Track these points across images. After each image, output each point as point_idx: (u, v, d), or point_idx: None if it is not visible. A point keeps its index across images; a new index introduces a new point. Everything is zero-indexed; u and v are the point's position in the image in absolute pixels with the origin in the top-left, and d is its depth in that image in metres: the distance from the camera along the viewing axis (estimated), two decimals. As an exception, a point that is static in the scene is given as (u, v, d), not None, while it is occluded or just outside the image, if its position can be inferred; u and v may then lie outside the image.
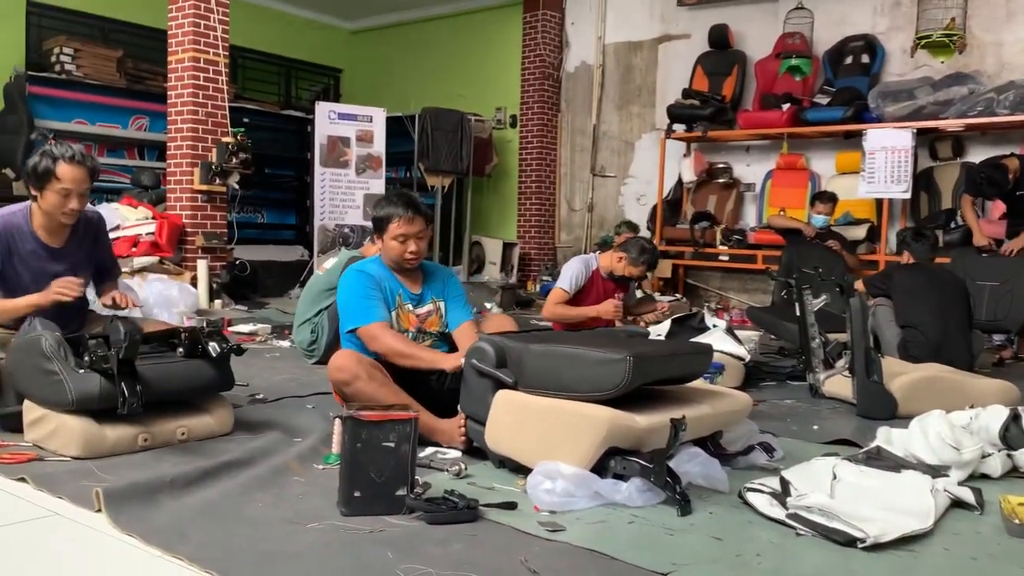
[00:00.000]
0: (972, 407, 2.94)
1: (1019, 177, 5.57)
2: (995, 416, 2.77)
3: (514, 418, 2.52)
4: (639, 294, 5.39)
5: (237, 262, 7.35)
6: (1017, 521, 2.17)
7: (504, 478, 2.51)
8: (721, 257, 7.96)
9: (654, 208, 8.61)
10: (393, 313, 3.03)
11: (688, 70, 8.56)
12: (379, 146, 8.28)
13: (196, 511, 2.16)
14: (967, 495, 2.38)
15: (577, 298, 4.57)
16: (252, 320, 6.20)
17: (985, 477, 2.65)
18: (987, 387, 3.71)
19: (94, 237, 3.27)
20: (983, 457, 2.65)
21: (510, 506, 2.23)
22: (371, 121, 8.26)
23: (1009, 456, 2.72)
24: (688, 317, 4.71)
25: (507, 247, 9.45)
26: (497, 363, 2.60)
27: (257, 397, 3.61)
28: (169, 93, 7.08)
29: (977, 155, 7.06)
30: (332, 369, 2.87)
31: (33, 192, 3.00)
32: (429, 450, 2.76)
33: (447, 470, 2.55)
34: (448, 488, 2.23)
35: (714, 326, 4.43)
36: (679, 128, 8.26)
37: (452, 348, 3.11)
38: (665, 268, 8.20)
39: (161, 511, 2.14)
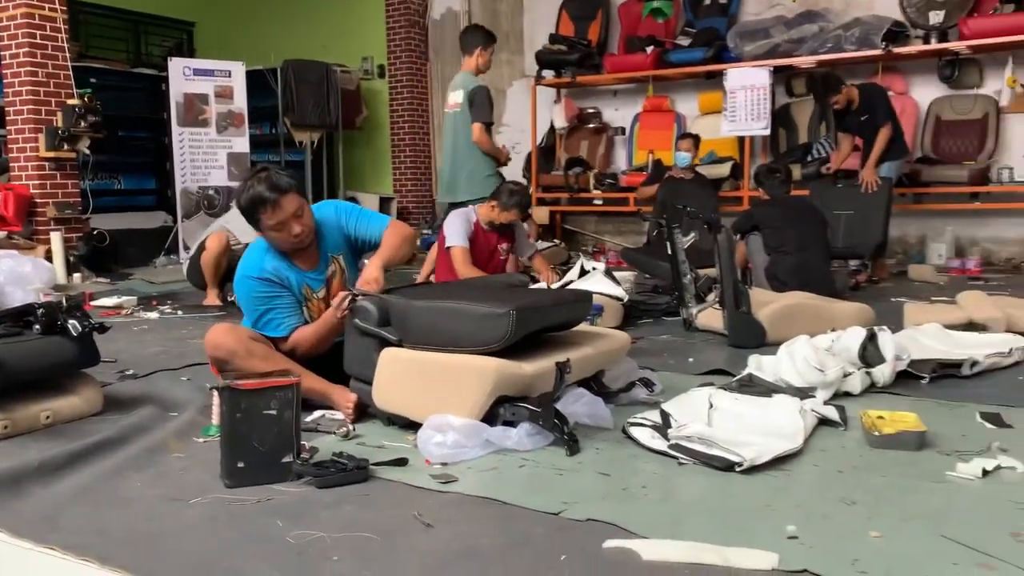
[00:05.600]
0: (833, 330, 3.13)
1: (860, 105, 5.93)
2: (854, 337, 2.94)
3: (401, 375, 2.50)
4: (535, 243, 5.32)
5: (95, 232, 6.97)
6: (877, 433, 2.33)
7: (393, 435, 2.50)
8: (595, 201, 8.09)
9: (528, 156, 8.65)
10: (304, 308, 2.84)
11: (554, 15, 8.55)
12: (240, 102, 7.93)
13: (68, 497, 2.05)
14: (832, 413, 2.54)
15: None
16: (116, 292, 5.87)
17: (847, 395, 2.83)
18: (846, 310, 3.92)
19: None
20: (845, 376, 2.82)
21: (401, 462, 2.22)
22: (230, 76, 7.89)
23: (868, 373, 2.90)
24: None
25: (384, 201, 9.29)
26: (380, 321, 2.56)
27: (127, 373, 3.43)
28: (3, 53, 6.54)
29: (828, 91, 7.38)
30: (208, 346, 2.71)
31: None
32: (316, 413, 2.70)
33: (335, 432, 2.52)
34: (336, 450, 2.20)
35: (593, 269, 4.51)
36: (548, 74, 8.27)
37: None
38: (542, 215, 8.28)
39: (29, 500, 2.03)
